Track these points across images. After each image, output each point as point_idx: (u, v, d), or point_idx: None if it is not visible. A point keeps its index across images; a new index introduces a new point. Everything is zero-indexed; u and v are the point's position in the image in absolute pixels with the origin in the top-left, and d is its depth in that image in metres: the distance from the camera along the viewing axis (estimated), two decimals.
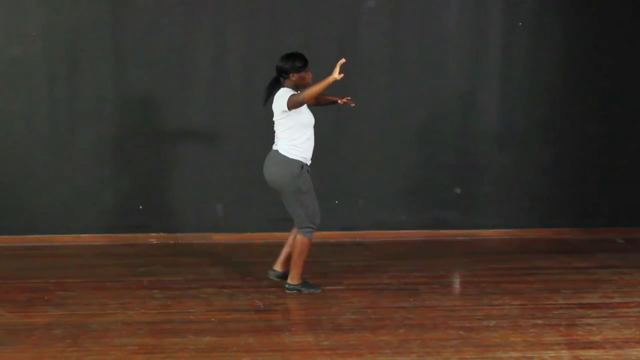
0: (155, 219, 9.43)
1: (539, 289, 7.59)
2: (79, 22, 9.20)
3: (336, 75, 6.91)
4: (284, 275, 7.50)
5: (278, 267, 7.62)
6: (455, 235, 9.69)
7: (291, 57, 7.28)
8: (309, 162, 7.32)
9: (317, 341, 6.15)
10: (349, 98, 7.66)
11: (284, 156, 7.19)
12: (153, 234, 9.43)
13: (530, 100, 9.75)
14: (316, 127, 9.43)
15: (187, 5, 9.30)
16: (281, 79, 7.26)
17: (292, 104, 7.03)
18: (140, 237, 9.39)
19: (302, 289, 7.35)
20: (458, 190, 9.74)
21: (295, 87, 7.20)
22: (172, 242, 9.39)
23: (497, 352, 5.97)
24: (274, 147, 7.29)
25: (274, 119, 7.27)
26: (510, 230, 9.81)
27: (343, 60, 6.97)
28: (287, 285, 7.37)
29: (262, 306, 7.03)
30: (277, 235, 9.37)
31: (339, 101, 7.66)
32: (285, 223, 9.37)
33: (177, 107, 9.34)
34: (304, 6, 9.44)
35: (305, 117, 7.22)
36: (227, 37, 9.35)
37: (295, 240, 7.35)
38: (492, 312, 6.88)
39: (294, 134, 7.19)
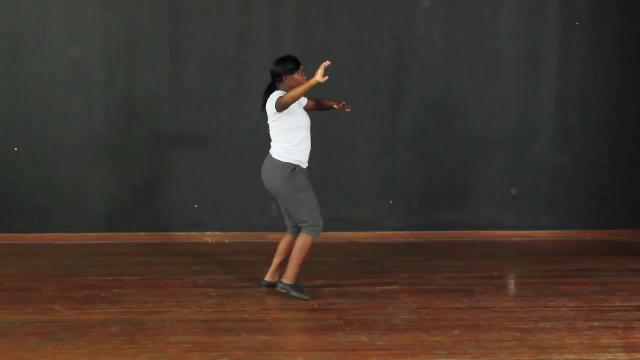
0: (211, 218, 9.50)
1: (595, 291, 7.51)
2: (136, 22, 9.30)
3: (319, 77, 6.77)
4: (273, 285, 7.41)
5: (269, 277, 7.49)
6: (511, 237, 9.62)
7: (283, 60, 7.18)
8: (305, 165, 7.21)
9: (372, 341, 6.14)
10: (344, 103, 7.59)
11: (277, 160, 7.12)
12: (208, 233, 9.50)
13: (587, 100, 9.66)
14: (371, 128, 9.49)
15: (243, 5, 9.35)
16: (276, 83, 7.17)
17: (279, 106, 6.94)
18: (195, 236, 9.46)
19: (293, 291, 7.20)
20: (514, 191, 9.67)
21: (290, 89, 7.01)
22: (227, 241, 9.44)
23: (553, 355, 5.91)
24: (270, 152, 7.23)
25: (268, 122, 7.20)
26: (566, 231, 9.73)
27: (328, 63, 6.84)
28: (280, 284, 7.28)
29: (316, 305, 7.03)
30: (331, 235, 9.39)
31: (335, 106, 7.60)
32: (338, 223, 9.43)
33: (233, 106, 9.40)
34: (359, 7, 9.43)
35: (298, 119, 7.12)
36: (282, 37, 9.38)
37: (298, 240, 7.21)
38: (548, 314, 6.81)
39: (287, 136, 7.10)
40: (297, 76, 7.16)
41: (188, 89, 9.39)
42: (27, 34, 9.22)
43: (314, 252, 8.89)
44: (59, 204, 9.38)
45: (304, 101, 7.41)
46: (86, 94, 9.30)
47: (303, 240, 7.18)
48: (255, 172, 9.36)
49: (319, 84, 6.80)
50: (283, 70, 7.14)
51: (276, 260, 7.49)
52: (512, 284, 8.15)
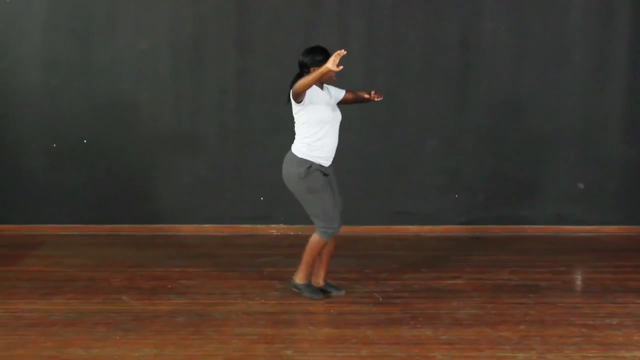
0: (276, 210, 9.53)
1: None
2: (203, 14, 9.36)
3: (330, 64, 6.44)
4: (331, 287, 7.21)
5: (313, 282, 7.22)
6: (578, 231, 9.52)
7: (312, 51, 6.90)
8: (326, 163, 6.95)
9: (436, 335, 6.13)
10: (374, 92, 7.17)
11: (294, 155, 6.87)
12: (274, 225, 9.55)
13: None
14: (437, 121, 9.44)
15: None
16: (304, 74, 6.81)
17: (293, 95, 6.71)
18: (261, 228, 9.52)
19: (305, 291, 7.05)
20: (581, 186, 9.57)
21: (319, 82, 6.84)
22: (292, 233, 9.48)
23: (620, 351, 5.85)
24: (292, 146, 6.99)
25: (293, 113, 6.95)
26: (634, 226, 9.58)
27: (343, 51, 6.48)
28: (292, 281, 7.10)
29: (381, 299, 7.03)
30: (396, 229, 9.42)
31: (366, 96, 7.20)
32: (403, 217, 9.42)
33: None
34: (425, 0, 9.40)
35: (322, 112, 6.83)
36: (348, 31, 9.37)
37: (310, 239, 6.98)
38: (615, 310, 6.74)
39: (307, 130, 6.84)
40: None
41: (254, 82, 9.43)
42: (97, 28, 9.33)
43: (380, 245, 8.96)
44: (126, 195, 9.50)
45: (339, 94, 7.13)
46: (154, 86, 9.39)
47: (314, 241, 6.95)
48: None
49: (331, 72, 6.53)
50: (311, 61, 6.83)
51: (316, 264, 7.19)
52: (578, 279, 8.08)
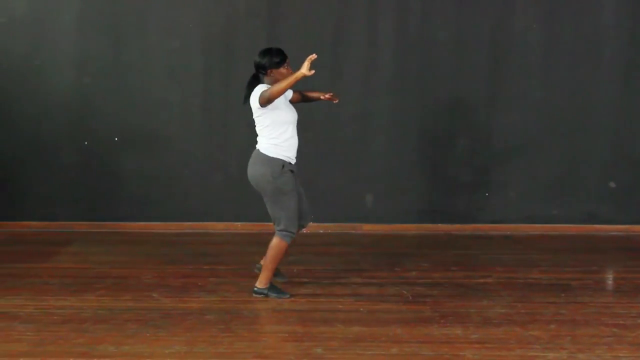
0: None
1: None
2: (234, 13, 9.39)
3: (304, 70, 6.43)
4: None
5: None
6: (609, 231, 9.47)
7: (268, 52, 6.90)
8: (293, 162, 6.97)
9: (466, 334, 6.11)
10: (332, 94, 7.29)
11: (265, 155, 6.85)
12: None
13: None
14: (466, 120, 9.43)
15: None
16: (260, 75, 6.88)
17: (263, 100, 6.68)
18: None
19: (270, 293, 6.99)
20: (613, 184, 9.51)
21: (275, 83, 6.75)
22: (322, 231, 9.48)
23: None
24: (257, 146, 6.99)
25: (253, 117, 6.94)
26: None
27: (314, 56, 6.50)
28: (254, 289, 7.02)
29: (410, 297, 7.02)
30: (426, 227, 9.41)
31: (322, 97, 7.30)
32: (433, 215, 9.41)
33: None
34: None
35: (283, 114, 6.88)
36: (378, 30, 9.37)
37: (271, 243, 6.92)
38: None
39: (273, 132, 6.85)
40: (282, 70, 6.85)
41: None
42: (129, 27, 9.39)
43: (409, 243, 8.95)
44: (157, 193, 9.55)
45: (288, 94, 7.15)
46: (185, 84, 9.43)
47: (276, 246, 6.91)
48: (350, 163, 9.46)
49: (305, 77, 6.52)
50: (269, 62, 6.84)
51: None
52: (610, 278, 8.03)
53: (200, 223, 9.50)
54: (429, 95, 9.41)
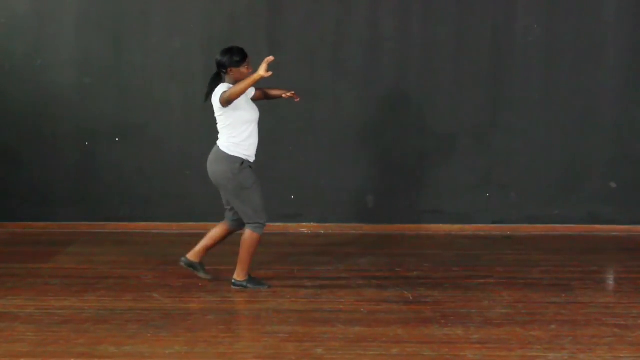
0: (307, 209, 9.55)
1: None
2: (236, 13, 9.39)
3: (262, 72, 6.60)
4: (192, 265, 7.35)
5: (191, 255, 7.38)
6: (610, 231, 9.46)
7: (229, 51, 7.01)
8: (252, 160, 7.07)
9: (467, 334, 6.11)
10: (293, 92, 7.39)
11: (225, 153, 6.97)
12: (304, 224, 9.55)
13: None
14: (469, 120, 9.42)
15: None
16: (222, 74, 7.02)
17: (223, 101, 6.81)
18: (291, 227, 9.53)
19: (249, 285, 7.16)
20: (614, 185, 9.50)
21: (236, 82, 6.90)
22: (322, 232, 9.49)
23: None
24: (217, 143, 7.09)
25: (215, 115, 7.07)
26: None
27: (271, 58, 6.65)
28: (233, 282, 7.20)
29: (411, 297, 7.03)
30: (427, 227, 9.41)
31: (283, 95, 7.40)
32: (435, 215, 9.41)
33: (330, 97, 9.42)
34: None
35: (245, 113, 6.98)
36: (379, 28, 9.36)
37: (243, 237, 7.11)
38: None
39: (233, 131, 6.96)
40: (242, 69, 6.97)
41: (285, 81, 9.42)
42: (130, 27, 9.39)
43: (411, 244, 8.95)
44: (158, 193, 9.55)
45: (251, 92, 7.25)
46: (186, 84, 9.42)
47: (249, 239, 7.09)
48: (351, 163, 9.46)
49: (263, 79, 6.67)
50: (229, 61, 6.97)
51: (203, 243, 7.38)
52: (610, 279, 8.03)
53: (201, 223, 9.47)
54: (430, 95, 9.41)
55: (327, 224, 9.51)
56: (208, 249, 7.43)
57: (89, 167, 9.54)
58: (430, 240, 9.19)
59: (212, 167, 7.08)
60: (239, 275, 7.20)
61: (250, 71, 6.92)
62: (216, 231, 7.40)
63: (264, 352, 5.79)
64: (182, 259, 7.41)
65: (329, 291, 7.18)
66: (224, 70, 7.00)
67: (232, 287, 7.20)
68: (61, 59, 9.43)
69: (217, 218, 9.46)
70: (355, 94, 9.43)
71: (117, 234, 9.37)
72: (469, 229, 9.52)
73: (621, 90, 9.42)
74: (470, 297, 7.02)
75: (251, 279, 7.23)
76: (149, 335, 6.09)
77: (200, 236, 9.06)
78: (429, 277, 7.61)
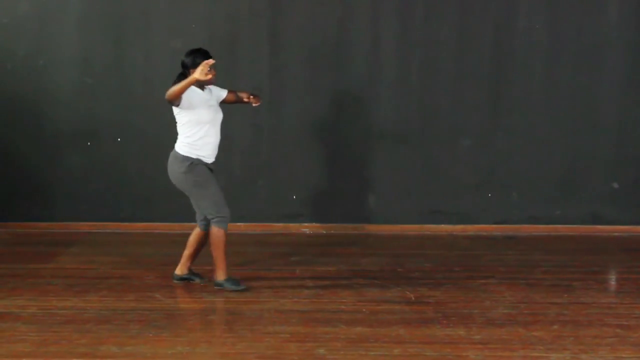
0: (309, 209, 9.54)
1: None
2: (237, 13, 9.39)
3: (197, 75, 6.62)
4: (183, 278, 7.42)
5: (178, 270, 7.46)
6: (612, 231, 9.46)
7: (193, 52, 7.06)
8: (209, 160, 7.12)
9: (469, 335, 6.11)
10: (253, 96, 7.41)
11: (177, 153, 7.08)
12: (306, 224, 9.55)
13: None
14: (470, 120, 9.41)
15: None
16: (186, 73, 7.01)
17: (167, 101, 6.90)
18: (293, 227, 9.53)
19: (225, 284, 7.17)
20: (616, 185, 9.50)
21: (198, 83, 6.93)
22: (324, 232, 9.49)
23: None
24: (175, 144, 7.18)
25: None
26: None
27: (211, 61, 6.71)
28: (215, 282, 7.24)
29: (413, 298, 7.02)
30: (429, 228, 9.41)
31: (245, 99, 7.44)
32: (436, 216, 9.41)
33: (332, 97, 9.42)
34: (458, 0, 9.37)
35: (200, 113, 7.02)
36: (381, 29, 9.36)
37: (210, 235, 7.17)
38: None
39: (187, 130, 7.04)
40: None
41: (287, 81, 9.44)
42: (132, 27, 9.39)
43: (412, 244, 8.95)
44: (160, 194, 9.53)
45: (222, 93, 7.31)
46: None
47: (215, 235, 7.13)
48: (353, 164, 9.45)
49: (202, 81, 6.73)
50: (191, 62, 7.00)
51: (184, 253, 7.46)
52: (612, 279, 8.03)
53: None
54: (432, 95, 9.40)
55: (329, 224, 9.51)
56: (192, 257, 7.47)
57: (90, 167, 9.54)
58: (432, 240, 9.19)
59: (169, 168, 7.18)
60: (219, 276, 7.21)
61: (214, 74, 6.85)
62: (192, 238, 7.45)
63: (265, 353, 5.79)
64: (173, 276, 7.47)
65: (331, 291, 7.18)
66: (187, 71, 7.03)
67: (215, 287, 7.23)
68: (63, 59, 9.43)
69: None
70: (357, 93, 9.42)
71: (119, 234, 9.37)
72: (471, 229, 9.52)
73: (623, 90, 9.42)
74: (472, 298, 7.02)
75: (229, 279, 7.23)
76: (151, 335, 6.09)
77: None
78: (431, 278, 7.61)
